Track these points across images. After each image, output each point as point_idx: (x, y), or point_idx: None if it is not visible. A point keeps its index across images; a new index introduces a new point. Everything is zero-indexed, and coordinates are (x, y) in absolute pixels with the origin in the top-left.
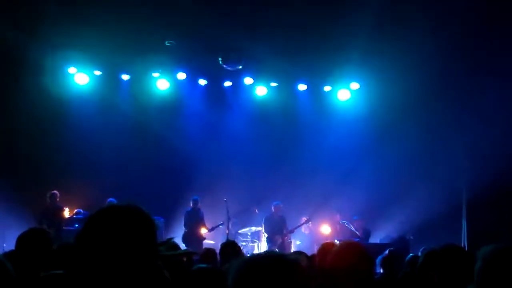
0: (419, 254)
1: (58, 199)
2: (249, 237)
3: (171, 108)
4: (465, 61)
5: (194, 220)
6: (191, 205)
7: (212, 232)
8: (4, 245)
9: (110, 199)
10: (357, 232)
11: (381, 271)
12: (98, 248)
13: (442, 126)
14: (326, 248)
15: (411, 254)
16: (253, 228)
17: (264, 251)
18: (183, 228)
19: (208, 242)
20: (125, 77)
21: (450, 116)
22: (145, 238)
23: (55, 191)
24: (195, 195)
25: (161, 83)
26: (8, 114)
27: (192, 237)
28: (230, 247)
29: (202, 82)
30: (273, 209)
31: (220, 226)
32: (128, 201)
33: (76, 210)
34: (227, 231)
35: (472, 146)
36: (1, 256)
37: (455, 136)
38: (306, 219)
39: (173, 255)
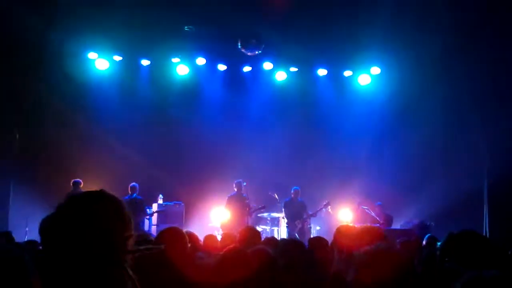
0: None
1: (81, 186)
2: (268, 222)
3: (190, 94)
4: (487, 45)
5: (237, 205)
6: (235, 189)
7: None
8: (27, 228)
9: (133, 183)
10: (377, 218)
11: None
12: (63, 237)
13: (464, 111)
14: (342, 231)
15: (428, 234)
16: (273, 214)
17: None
18: (225, 212)
19: None
20: (145, 62)
21: (471, 101)
22: (113, 231)
23: (78, 179)
24: (239, 178)
25: (181, 69)
26: (29, 100)
27: (234, 223)
28: (249, 232)
29: (222, 67)
30: (292, 194)
31: (262, 209)
32: (138, 186)
33: None
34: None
35: (494, 130)
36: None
37: (476, 121)
38: (325, 203)
39: (137, 250)
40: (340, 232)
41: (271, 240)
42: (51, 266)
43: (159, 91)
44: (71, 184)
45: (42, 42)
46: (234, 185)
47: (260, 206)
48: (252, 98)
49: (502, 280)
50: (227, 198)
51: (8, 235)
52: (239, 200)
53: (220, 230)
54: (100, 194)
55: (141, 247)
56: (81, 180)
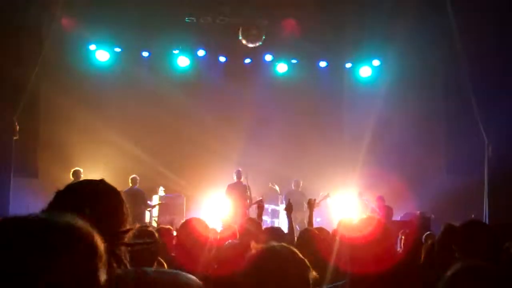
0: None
1: (81, 176)
2: (269, 213)
3: (191, 85)
4: (491, 34)
5: (237, 194)
6: (234, 178)
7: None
8: None
9: (133, 175)
10: (377, 210)
11: (399, 249)
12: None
13: (465, 101)
14: (344, 224)
15: (429, 232)
16: (273, 206)
17: None
18: (225, 202)
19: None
20: (145, 54)
21: (473, 91)
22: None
23: (78, 168)
24: (239, 167)
25: (181, 60)
26: (29, 90)
27: (233, 214)
28: (250, 223)
29: (222, 59)
30: (293, 186)
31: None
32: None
33: None
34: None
35: (495, 122)
36: None
37: (478, 113)
38: (326, 194)
39: (134, 244)
40: (342, 225)
41: (273, 229)
42: None
43: (159, 82)
44: (71, 175)
45: (42, 32)
46: (234, 174)
47: (257, 200)
48: (253, 90)
49: (494, 271)
50: (227, 186)
51: None
52: (238, 189)
53: (221, 222)
54: (99, 182)
55: (138, 241)
56: (81, 170)
